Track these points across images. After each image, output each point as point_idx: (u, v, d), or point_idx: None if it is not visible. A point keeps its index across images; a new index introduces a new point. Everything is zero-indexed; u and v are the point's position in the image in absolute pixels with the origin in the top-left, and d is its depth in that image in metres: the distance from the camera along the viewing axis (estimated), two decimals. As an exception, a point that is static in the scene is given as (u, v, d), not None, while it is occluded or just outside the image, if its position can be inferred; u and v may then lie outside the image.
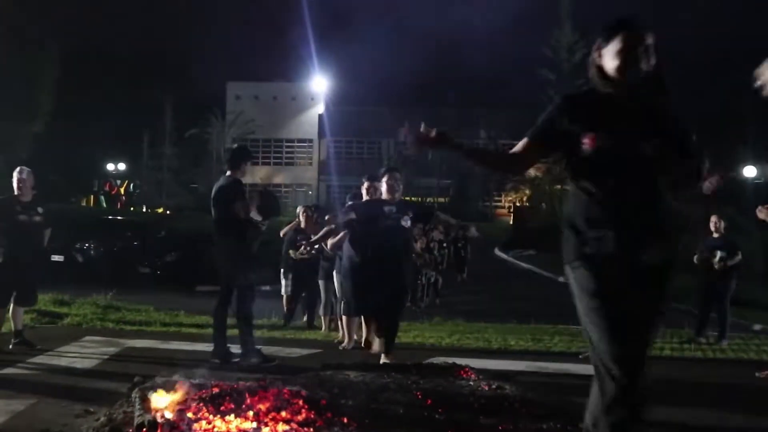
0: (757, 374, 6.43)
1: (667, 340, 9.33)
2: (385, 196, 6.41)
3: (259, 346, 6.69)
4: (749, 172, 32.12)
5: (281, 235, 10.39)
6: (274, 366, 6.30)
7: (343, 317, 7.74)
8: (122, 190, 49.67)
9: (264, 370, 5.96)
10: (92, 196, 48.28)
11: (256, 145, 51.61)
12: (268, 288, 11.32)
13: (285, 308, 10.41)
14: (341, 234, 7.11)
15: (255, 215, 6.67)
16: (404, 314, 11.50)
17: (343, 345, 7.65)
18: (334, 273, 8.41)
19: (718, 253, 8.93)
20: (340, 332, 8.25)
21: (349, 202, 7.24)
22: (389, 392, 4.72)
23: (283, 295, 10.42)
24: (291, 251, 9.90)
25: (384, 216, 6.27)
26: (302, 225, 10.10)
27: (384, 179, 6.42)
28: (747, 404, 5.41)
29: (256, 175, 51.86)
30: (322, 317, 9.59)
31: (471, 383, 5.22)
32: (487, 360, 6.77)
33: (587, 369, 6.67)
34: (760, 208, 6.62)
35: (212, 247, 6.88)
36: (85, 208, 40.54)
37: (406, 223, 6.31)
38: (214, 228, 6.74)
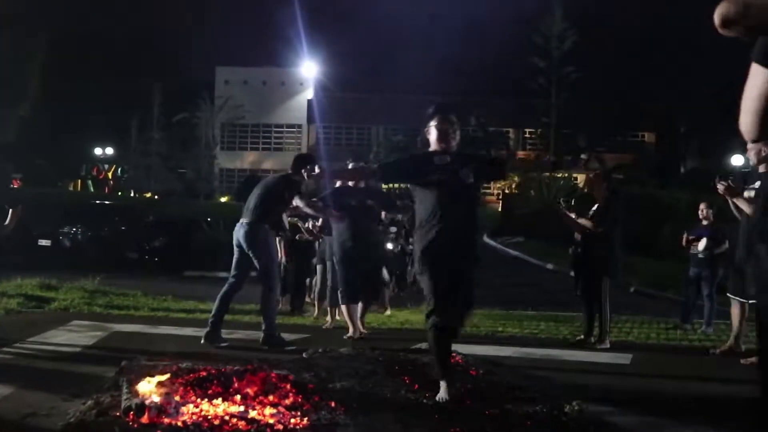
0: (742, 361, 6.49)
1: (653, 327, 9.40)
2: (434, 146, 4.87)
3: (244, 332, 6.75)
4: (736, 161, 32.33)
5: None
6: (292, 348, 6.45)
7: (342, 306, 7.45)
8: (110, 175, 49.41)
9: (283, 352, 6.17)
10: (80, 181, 48.02)
11: (245, 130, 51.49)
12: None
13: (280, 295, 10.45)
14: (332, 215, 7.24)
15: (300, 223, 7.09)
16: (393, 300, 11.59)
17: (349, 334, 7.28)
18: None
19: (703, 241, 8.97)
20: (328, 317, 8.27)
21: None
22: (377, 376, 4.74)
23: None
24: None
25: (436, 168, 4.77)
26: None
27: (433, 124, 4.86)
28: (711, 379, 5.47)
29: (244, 160, 51.86)
30: (316, 302, 9.43)
31: (459, 368, 5.24)
32: (474, 346, 6.79)
33: (573, 355, 6.77)
34: (718, 181, 6.54)
35: (237, 229, 6.80)
36: (73, 193, 40.33)
37: (468, 178, 4.79)
38: (252, 212, 6.72)
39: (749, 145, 6.43)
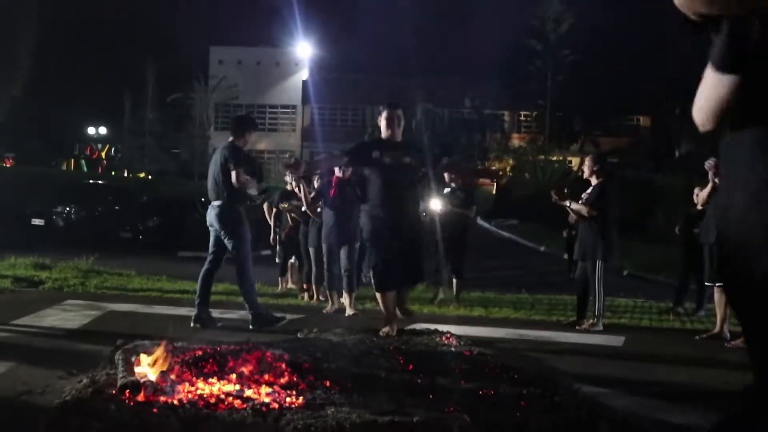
0: (726, 344, 6.55)
1: (646, 310, 9.46)
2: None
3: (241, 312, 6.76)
4: None
5: (267, 207, 10.22)
6: (284, 322, 6.56)
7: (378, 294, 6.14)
8: (103, 155, 49.18)
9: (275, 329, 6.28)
10: (73, 161, 47.76)
11: (239, 110, 51.21)
12: (269, 252, 11.28)
13: (280, 279, 10.43)
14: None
15: (252, 189, 6.80)
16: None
17: (385, 330, 5.98)
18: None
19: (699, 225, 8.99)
20: (329, 303, 8.13)
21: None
22: (372, 357, 4.76)
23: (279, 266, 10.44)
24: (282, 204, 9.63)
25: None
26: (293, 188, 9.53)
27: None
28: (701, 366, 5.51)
29: (251, 143, 51.56)
30: (314, 286, 9.11)
31: (452, 349, 5.28)
32: (468, 327, 6.83)
33: (566, 337, 6.80)
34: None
35: (209, 210, 6.80)
36: (66, 173, 40.11)
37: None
38: (212, 191, 6.72)
39: (708, 164, 6.75)
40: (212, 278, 6.79)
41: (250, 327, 6.49)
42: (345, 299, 7.84)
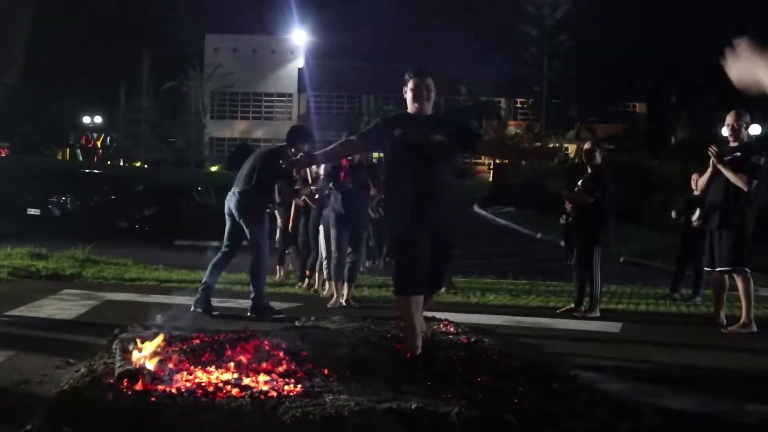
0: (723, 330, 6.57)
1: (643, 296, 9.47)
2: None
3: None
4: (754, 129, 32.15)
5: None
6: (281, 318, 6.42)
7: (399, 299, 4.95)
8: (99, 144, 49.08)
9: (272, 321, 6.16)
10: (68, 150, 47.68)
11: (235, 98, 51.11)
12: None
13: (278, 266, 10.39)
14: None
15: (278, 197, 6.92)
16: (380, 270, 11.62)
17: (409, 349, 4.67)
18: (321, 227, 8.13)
19: (697, 211, 8.98)
20: (334, 295, 7.74)
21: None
22: (369, 345, 4.76)
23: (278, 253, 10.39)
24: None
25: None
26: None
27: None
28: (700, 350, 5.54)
29: (234, 129, 51.52)
30: (316, 275, 8.90)
31: (450, 336, 5.28)
32: (465, 314, 6.84)
33: (564, 324, 6.82)
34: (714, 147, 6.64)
35: (229, 198, 6.75)
36: (61, 162, 40.02)
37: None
38: (244, 181, 6.68)
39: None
40: (223, 268, 6.77)
41: (248, 314, 6.49)
42: (344, 288, 7.56)
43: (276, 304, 7.02)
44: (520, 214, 25.80)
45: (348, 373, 3.93)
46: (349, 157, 7.25)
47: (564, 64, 41.95)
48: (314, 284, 8.95)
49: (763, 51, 1.69)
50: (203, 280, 6.67)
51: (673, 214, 9.57)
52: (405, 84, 4.95)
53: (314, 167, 7.90)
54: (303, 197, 8.43)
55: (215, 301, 6.76)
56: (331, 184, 7.63)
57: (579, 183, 7.54)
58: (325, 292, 8.37)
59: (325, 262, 8.03)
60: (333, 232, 7.57)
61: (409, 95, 4.92)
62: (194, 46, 48.92)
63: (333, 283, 7.70)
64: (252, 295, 6.67)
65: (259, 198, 6.70)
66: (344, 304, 7.43)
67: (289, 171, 6.74)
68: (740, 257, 6.45)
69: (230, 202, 6.70)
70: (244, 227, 6.64)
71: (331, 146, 5.39)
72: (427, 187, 4.71)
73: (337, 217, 7.51)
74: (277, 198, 7.13)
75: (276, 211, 9.86)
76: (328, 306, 7.42)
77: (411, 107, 4.90)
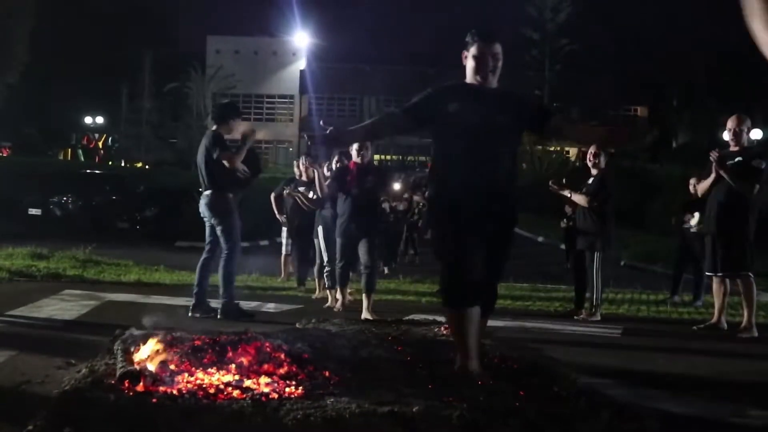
0: (738, 335, 6.55)
1: (643, 300, 9.47)
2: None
3: (237, 301, 6.74)
4: (755, 134, 32.18)
5: (274, 197, 10.09)
6: (251, 320, 6.36)
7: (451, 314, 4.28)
8: (100, 144, 49.08)
9: (242, 323, 5.98)
10: (69, 150, 47.67)
11: (236, 100, 51.09)
12: (266, 243, 11.24)
13: (282, 267, 10.38)
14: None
15: (242, 167, 6.67)
16: (382, 274, 11.62)
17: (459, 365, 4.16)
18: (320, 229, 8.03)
19: (696, 215, 8.99)
20: (329, 299, 7.71)
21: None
22: (370, 347, 4.76)
23: (283, 254, 10.38)
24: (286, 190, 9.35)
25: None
26: (302, 176, 9.28)
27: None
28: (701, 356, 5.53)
29: (236, 131, 51.46)
30: (316, 280, 8.74)
31: (451, 339, 5.27)
32: (466, 317, 6.81)
33: (565, 328, 6.81)
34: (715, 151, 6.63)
35: (200, 200, 6.82)
36: (63, 162, 40.02)
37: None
38: (202, 181, 6.74)
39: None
40: (210, 268, 6.79)
41: (220, 315, 6.49)
42: (364, 299, 6.97)
43: (277, 306, 7.02)
44: (521, 218, 25.69)
45: (349, 375, 3.93)
46: (358, 159, 7.17)
47: (565, 67, 41.94)
48: (314, 290, 8.74)
49: None
50: (195, 284, 6.71)
51: (674, 220, 9.58)
52: (466, 48, 4.11)
53: (324, 169, 7.92)
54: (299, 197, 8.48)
55: (215, 303, 6.76)
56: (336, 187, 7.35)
57: (582, 187, 7.53)
58: (317, 294, 8.37)
59: (326, 268, 7.84)
60: (338, 241, 7.20)
61: (470, 64, 4.09)
62: (196, 47, 49.02)
63: (338, 288, 7.40)
64: (221, 295, 6.64)
65: (219, 196, 6.65)
66: (368, 317, 6.82)
67: (225, 146, 6.65)
68: (742, 262, 6.45)
69: (201, 205, 6.81)
70: (216, 227, 6.67)
71: (371, 120, 4.76)
72: (486, 177, 3.99)
73: (341, 223, 7.14)
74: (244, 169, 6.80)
75: (283, 217, 9.83)
76: (334, 310, 7.26)
77: (471, 78, 4.09)
